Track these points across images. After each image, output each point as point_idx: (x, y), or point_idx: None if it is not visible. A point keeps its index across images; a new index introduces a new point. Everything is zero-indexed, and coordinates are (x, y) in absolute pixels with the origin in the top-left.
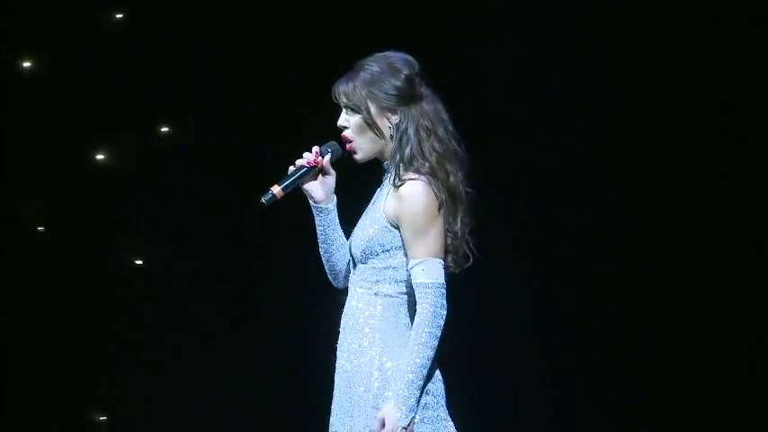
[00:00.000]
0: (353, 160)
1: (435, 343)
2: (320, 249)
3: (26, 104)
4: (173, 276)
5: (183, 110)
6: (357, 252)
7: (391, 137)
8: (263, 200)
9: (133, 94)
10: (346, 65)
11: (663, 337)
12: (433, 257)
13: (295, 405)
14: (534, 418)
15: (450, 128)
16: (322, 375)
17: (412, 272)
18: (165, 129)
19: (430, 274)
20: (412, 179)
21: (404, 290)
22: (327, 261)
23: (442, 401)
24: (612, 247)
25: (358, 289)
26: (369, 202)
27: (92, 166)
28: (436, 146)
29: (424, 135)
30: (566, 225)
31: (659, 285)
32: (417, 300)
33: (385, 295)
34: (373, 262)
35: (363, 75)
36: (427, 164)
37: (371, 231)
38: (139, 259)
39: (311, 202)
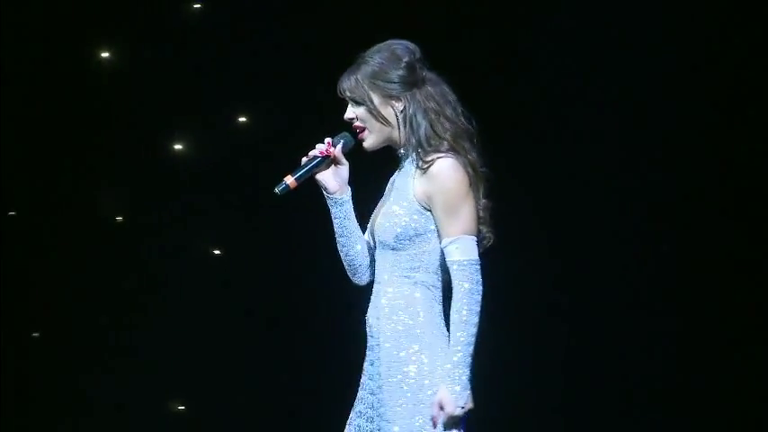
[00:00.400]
0: (363, 149)
1: (477, 320)
2: (338, 244)
3: (104, 95)
4: (251, 265)
5: (260, 100)
6: (389, 239)
7: (398, 124)
8: (276, 190)
9: (210, 84)
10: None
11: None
12: (467, 234)
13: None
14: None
15: (459, 108)
16: None
17: (446, 250)
18: (242, 119)
19: (464, 251)
20: (439, 157)
21: (440, 275)
22: (346, 255)
23: None
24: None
25: (393, 278)
26: (383, 192)
27: (170, 155)
28: (447, 125)
29: (433, 117)
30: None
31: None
32: (453, 278)
33: (423, 284)
34: (409, 248)
35: (364, 67)
36: (445, 142)
37: (404, 216)
38: (218, 249)
39: (325, 193)
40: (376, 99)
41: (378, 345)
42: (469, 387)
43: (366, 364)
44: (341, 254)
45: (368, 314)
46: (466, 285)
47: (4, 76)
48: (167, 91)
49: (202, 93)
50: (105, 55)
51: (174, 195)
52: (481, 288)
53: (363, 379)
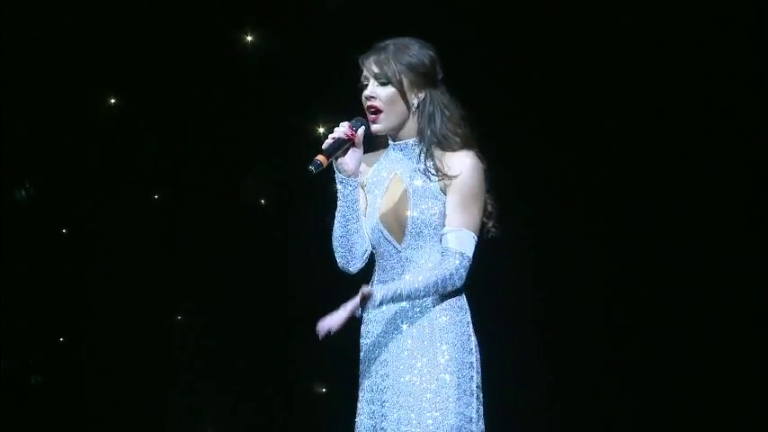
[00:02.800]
0: (371, 130)
1: (427, 294)
2: (340, 230)
3: (249, 79)
4: None
5: None
6: (429, 231)
7: (413, 114)
8: (311, 167)
9: (355, 69)
10: None
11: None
12: (469, 230)
13: None
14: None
15: (464, 114)
16: None
17: (445, 237)
18: None
19: (462, 244)
20: (463, 151)
21: None
22: (348, 241)
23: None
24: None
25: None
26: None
27: (313, 139)
28: (459, 126)
29: (448, 114)
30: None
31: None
32: (441, 261)
33: None
34: None
35: (395, 51)
36: (459, 139)
37: (438, 207)
38: None
39: (341, 176)
40: (405, 83)
41: (407, 326)
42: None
43: (375, 351)
44: (341, 239)
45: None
46: (450, 271)
47: (150, 62)
48: (311, 75)
49: (348, 78)
50: (250, 39)
51: (316, 179)
52: (460, 285)
53: (370, 368)
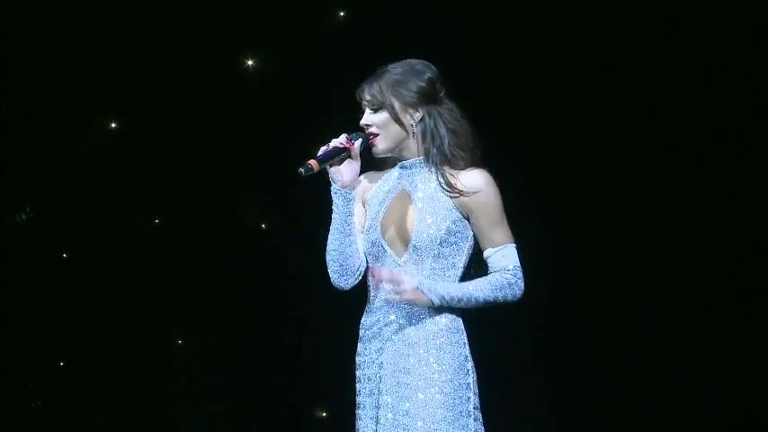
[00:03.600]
0: (372, 153)
1: (486, 302)
2: (333, 243)
3: (250, 103)
4: None
5: None
6: (433, 245)
7: (413, 134)
8: (300, 169)
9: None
10: None
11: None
12: (511, 243)
13: None
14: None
15: (471, 128)
16: None
17: (491, 259)
18: None
19: (511, 258)
20: (477, 170)
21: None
22: (341, 254)
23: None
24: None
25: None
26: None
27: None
28: (464, 142)
29: (452, 128)
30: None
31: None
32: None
33: None
34: (448, 255)
35: (387, 76)
36: (466, 156)
37: (447, 223)
38: None
39: (336, 186)
40: (397, 105)
41: (403, 345)
42: (437, 302)
43: (373, 368)
44: (335, 253)
45: (387, 317)
46: (510, 280)
47: (149, 86)
48: (310, 99)
49: (346, 101)
50: (250, 63)
51: (315, 203)
52: (519, 294)
53: (369, 386)
